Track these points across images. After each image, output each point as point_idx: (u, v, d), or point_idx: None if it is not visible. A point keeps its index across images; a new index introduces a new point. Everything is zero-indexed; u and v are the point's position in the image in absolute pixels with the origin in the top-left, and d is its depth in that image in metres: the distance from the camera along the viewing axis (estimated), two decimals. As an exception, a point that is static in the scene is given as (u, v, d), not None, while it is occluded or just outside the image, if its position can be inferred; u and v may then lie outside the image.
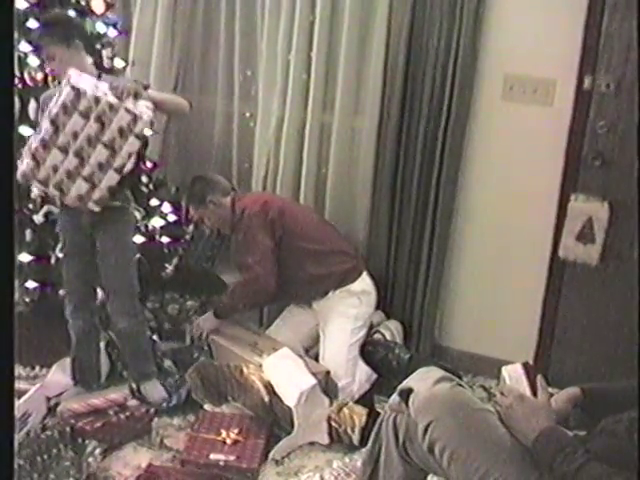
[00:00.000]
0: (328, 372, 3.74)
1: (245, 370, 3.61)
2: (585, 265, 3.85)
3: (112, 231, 3.53)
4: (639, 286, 3.57)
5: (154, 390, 3.75)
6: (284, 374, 3.55)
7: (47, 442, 3.22)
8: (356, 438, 3.44)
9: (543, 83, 3.76)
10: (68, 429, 3.34)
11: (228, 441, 3.45)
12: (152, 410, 3.63)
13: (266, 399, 3.51)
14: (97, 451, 3.30)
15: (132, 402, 3.65)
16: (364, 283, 4.04)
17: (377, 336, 4.01)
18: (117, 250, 3.54)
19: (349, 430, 3.47)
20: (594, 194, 3.76)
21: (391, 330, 4.11)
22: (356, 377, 3.80)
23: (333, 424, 3.51)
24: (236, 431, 3.50)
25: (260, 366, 3.63)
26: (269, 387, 3.52)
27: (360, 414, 3.49)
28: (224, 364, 3.68)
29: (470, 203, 4.07)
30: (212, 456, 3.36)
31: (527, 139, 3.87)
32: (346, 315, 3.91)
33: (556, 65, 3.73)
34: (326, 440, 3.51)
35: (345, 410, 3.53)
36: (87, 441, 3.32)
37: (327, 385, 3.68)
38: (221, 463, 3.33)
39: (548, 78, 3.75)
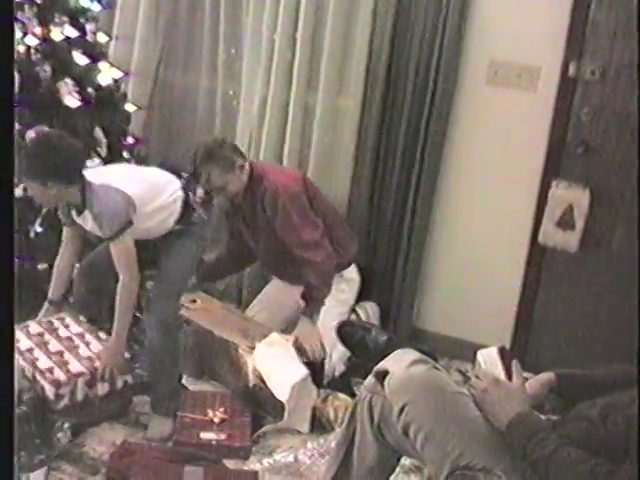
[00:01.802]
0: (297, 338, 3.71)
1: (240, 350, 3.61)
2: (564, 252, 3.86)
3: None
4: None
5: (157, 426, 3.51)
6: (274, 364, 3.53)
7: (19, 418, 3.20)
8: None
9: (528, 69, 3.76)
10: (39, 405, 3.31)
11: (216, 420, 3.45)
12: (129, 392, 3.60)
13: (250, 384, 3.51)
14: (66, 426, 3.29)
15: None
16: (354, 270, 4.06)
17: (353, 317, 4.01)
18: None
19: (332, 419, 3.47)
20: (576, 181, 3.77)
21: (366, 310, 4.11)
22: (332, 358, 3.80)
23: (317, 413, 3.51)
24: (222, 410, 3.50)
25: (252, 349, 3.61)
26: (256, 373, 3.51)
27: (345, 405, 3.47)
28: (222, 337, 3.69)
29: (451, 186, 4.07)
30: (203, 435, 3.36)
31: (511, 124, 3.88)
32: (335, 299, 3.89)
33: (541, 51, 3.73)
34: (307, 429, 3.50)
35: (329, 400, 3.54)
36: (55, 416, 3.31)
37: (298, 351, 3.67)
38: (213, 442, 3.33)
39: (533, 64, 3.75)
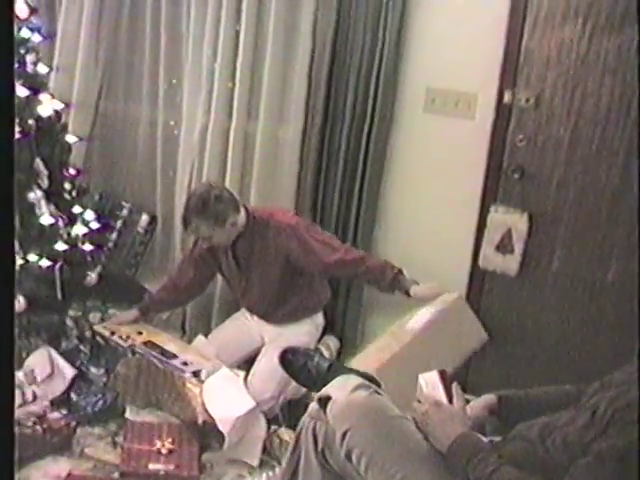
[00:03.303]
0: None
1: (187, 384, 3.59)
2: (504, 275, 3.91)
3: None
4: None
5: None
6: (221, 397, 3.51)
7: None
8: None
9: (464, 96, 3.82)
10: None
11: (164, 451, 3.43)
12: (73, 423, 3.58)
13: (200, 420, 3.49)
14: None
15: (52, 414, 3.61)
16: (320, 315, 4.08)
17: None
18: None
19: (280, 453, 3.45)
20: (513, 205, 3.82)
21: (329, 346, 4.13)
22: (280, 396, 3.74)
23: (267, 446, 3.51)
24: (170, 440, 3.48)
25: (201, 382, 3.59)
26: (205, 408, 3.49)
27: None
28: (168, 370, 3.67)
29: (392, 212, 4.11)
30: (151, 466, 3.34)
31: (449, 151, 3.92)
32: (299, 342, 3.82)
33: (477, 79, 3.78)
34: (256, 462, 3.48)
35: (278, 433, 3.53)
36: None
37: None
38: (162, 472, 3.32)
39: (469, 92, 3.80)
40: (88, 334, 4.03)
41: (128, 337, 3.92)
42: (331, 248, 3.72)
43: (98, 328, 4.01)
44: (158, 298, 4.18)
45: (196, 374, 3.65)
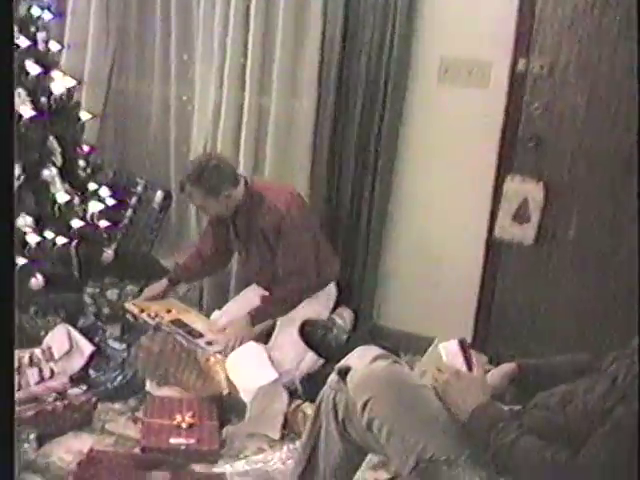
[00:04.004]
0: None
1: (211, 359, 3.61)
2: (520, 245, 3.90)
3: None
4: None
5: None
6: (245, 368, 3.53)
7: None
8: None
9: (478, 65, 3.80)
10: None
11: (184, 425, 3.43)
12: (93, 399, 3.60)
13: (225, 392, 3.51)
14: (32, 437, 3.27)
15: (73, 390, 3.63)
16: (332, 286, 4.06)
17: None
18: None
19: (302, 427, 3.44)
20: (529, 175, 3.81)
21: (342, 316, 4.11)
22: (300, 365, 3.74)
23: (289, 420, 3.51)
24: (190, 414, 3.48)
25: (225, 357, 3.60)
26: (229, 381, 3.51)
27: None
28: (192, 347, 3.69)
29: (407, 185, 4.10)
30: (172, 440, 3.35)
31: (463, 121, 3.91)
32: (315, 312, 3.86)
33: (491, 47, 3.76)
34: (277, 435, 3.48)
35: (301, 408, 3.52)
36: (21, 427, 3.29)
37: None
38: (182, 447, 3.32)
39: (483, 60, 3.79)
40: (106, 310, 4.05)
41: (156, 315, 3.93)
42: (289, 268, 3.77)
43: (128, 305, 4.02)
44: (185, 267, 4.19)
45: (221, 352, 3.66)
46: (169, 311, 4.01)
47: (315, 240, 3.85)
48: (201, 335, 3.81)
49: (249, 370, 3.52)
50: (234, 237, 3.97)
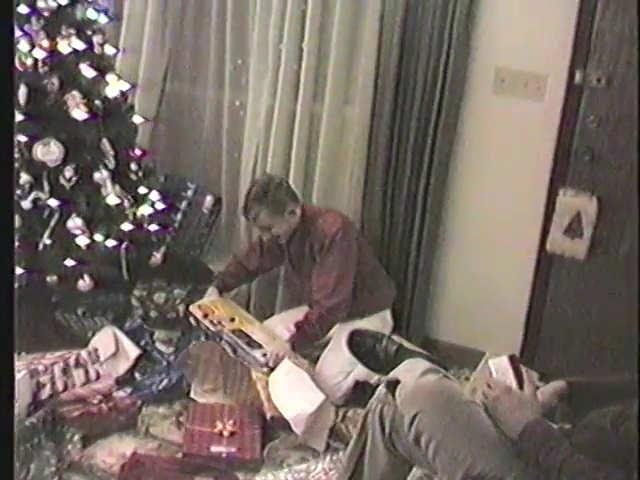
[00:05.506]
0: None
1: (254, 376, 3.60)
2: (573, 259, 3.86)
3: None
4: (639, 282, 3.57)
5: None
6: (289, 393, 3.48)
7: (30, 430, 3.21)
8: None
9: (534, 77, 3.76)
10: (50, 417, 3.33)
11: (225, 433, 3.43)
12: (138, 402, 3.62)
13: (268, 416, 3.48)
14: (76, 438, 3.29)
15: (118, 393, 3.65)
16: (388, 314, 4.07)
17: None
18: None
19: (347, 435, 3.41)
20: (583, 189, 3.76)
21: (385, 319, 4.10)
22: (349, 376, 3.70)
23: (335, 428, 3.49)
24: (231, 422, 3.49)
25: (266, 375, 3.59)
26: (272, 404, 3.47)
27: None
28: (238, 360, 3.69)
29: (460, 196, 4.07)
30: (213, 448, 3.35)
31: (517, 133, 3.87)
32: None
33: (547, 60, 3.72)
34: (323, 447, 3.45)
35: (348, 418, 3.50)
36: (66, 428, 3.32)
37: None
38: (223, 455, 3.33)
39: (539, 72, 3.74)
40: (153, 314, 4.06)
41: (219, 322, 3.91)
42: (325, 290, 3.75)
43: (192, 308, 4.01)
44: (229, 274, 4.22)
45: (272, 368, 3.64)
46: (232, 320, 3.96)
47: (364, 262, 3.87)
48: (260, 346, 3.77)
49: (295, 395, 3.46)
50: (288, 263, 4.03)
